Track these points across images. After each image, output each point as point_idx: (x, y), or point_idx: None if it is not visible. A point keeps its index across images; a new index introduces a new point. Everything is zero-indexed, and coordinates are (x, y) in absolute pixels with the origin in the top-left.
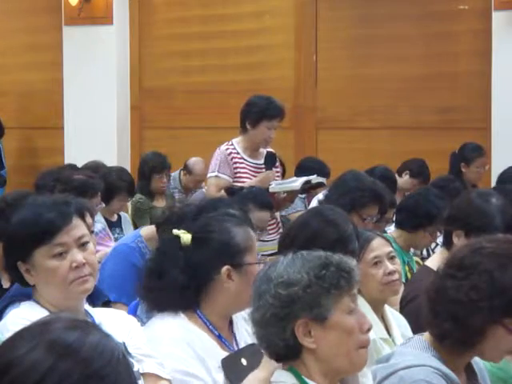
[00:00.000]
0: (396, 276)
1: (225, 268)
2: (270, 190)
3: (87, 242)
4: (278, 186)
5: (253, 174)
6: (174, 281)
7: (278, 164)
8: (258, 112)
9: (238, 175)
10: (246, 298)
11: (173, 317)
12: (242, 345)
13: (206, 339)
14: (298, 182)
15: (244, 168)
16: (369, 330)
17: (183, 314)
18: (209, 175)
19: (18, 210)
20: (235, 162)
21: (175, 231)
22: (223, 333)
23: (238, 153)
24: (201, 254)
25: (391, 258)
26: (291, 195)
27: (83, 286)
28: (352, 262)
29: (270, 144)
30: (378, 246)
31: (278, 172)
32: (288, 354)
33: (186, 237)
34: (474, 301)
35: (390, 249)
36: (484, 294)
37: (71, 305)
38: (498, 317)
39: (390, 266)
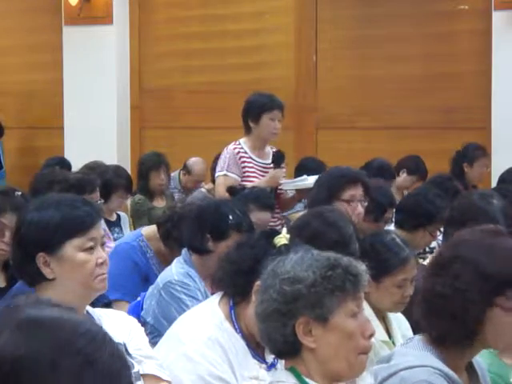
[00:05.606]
0: (408, 298)
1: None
2: (283, 187)
3: (105, 243)
4: (290, 184)
5: (261, 173)
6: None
7: (284, 165)
8: (259, 107)
9: (247, 175)
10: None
11: (211, 315)
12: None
13: (239, 345)
14: (310, 180)
15: (252, 167)
16: (371, 336)
17: (222, 312)
18: (217, 174)
19: (40, 204)
20: (243, 162)
21: (283, 235)
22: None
23: (245, 152)
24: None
25: (412, 281)
26: (300, 194)
27: (103, 284)
28: (361, 266)
29: (276, 137)
30: (410, 269)
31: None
32: (288, 350)
33: (281, 240)
34: (461, 291)
35: (416, 271)
36: (470, 282)
37: (85, 302)
38: (491, 299)
39: (409, 291)
